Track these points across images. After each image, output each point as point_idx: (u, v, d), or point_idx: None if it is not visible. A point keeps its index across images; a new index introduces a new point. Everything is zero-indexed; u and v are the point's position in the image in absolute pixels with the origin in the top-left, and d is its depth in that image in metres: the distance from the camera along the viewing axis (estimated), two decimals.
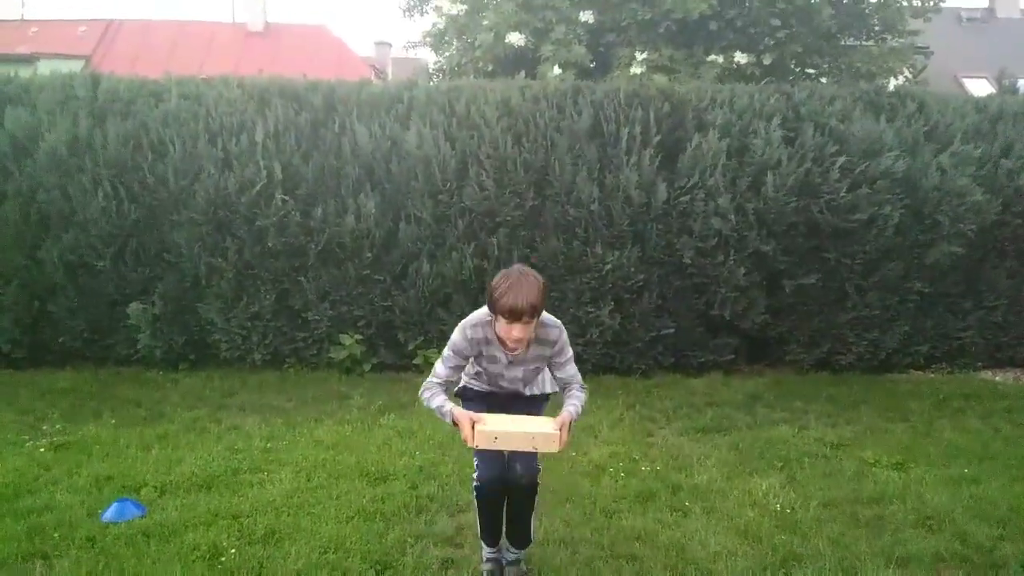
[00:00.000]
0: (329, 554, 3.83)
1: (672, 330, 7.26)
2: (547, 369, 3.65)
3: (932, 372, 7.67)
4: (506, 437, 3.30)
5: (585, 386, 3.65)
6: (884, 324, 7.44)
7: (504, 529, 3.70)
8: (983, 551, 3.93)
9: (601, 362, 7.26)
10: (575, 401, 3.52)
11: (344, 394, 6.65)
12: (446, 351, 3.53)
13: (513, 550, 3.72)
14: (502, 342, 3.44)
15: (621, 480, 4.81)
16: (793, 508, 4.42)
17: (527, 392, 3.69)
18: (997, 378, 7.55)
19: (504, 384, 3.63)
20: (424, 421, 5.82)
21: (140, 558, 3.77)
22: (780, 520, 4.27)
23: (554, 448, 3.31)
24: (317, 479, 4.74)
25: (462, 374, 3.66)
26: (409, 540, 3.98)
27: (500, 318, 3.33)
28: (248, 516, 4.21)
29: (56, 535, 3.98)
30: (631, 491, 4.63)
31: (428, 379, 3.53)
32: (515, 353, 3.47)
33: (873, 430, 5.88)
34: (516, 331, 3.32)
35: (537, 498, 3.67)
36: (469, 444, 3.31)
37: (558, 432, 3.30)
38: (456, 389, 3.70)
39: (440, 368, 3.53)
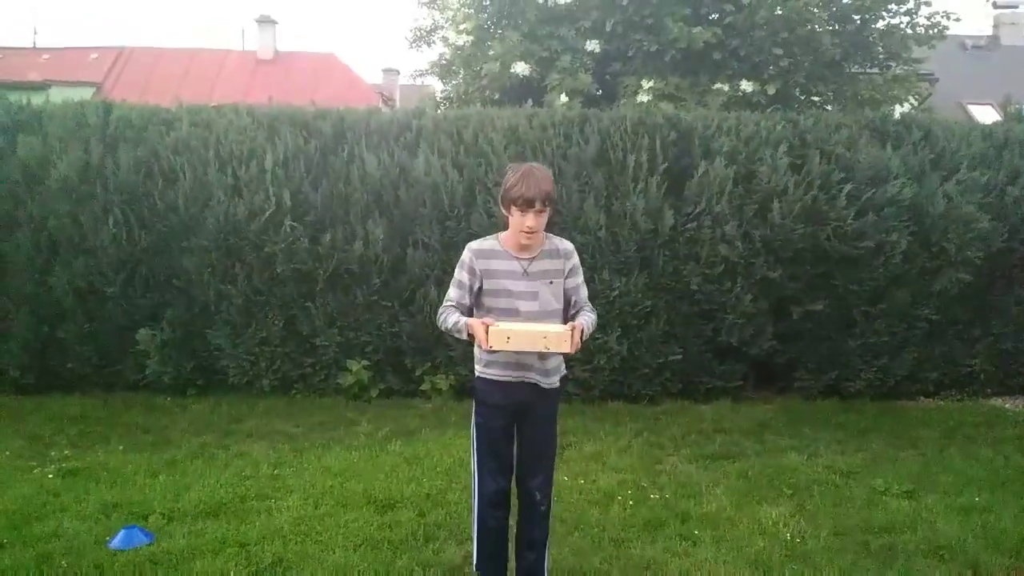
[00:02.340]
0: None
1: (680, 356, 7.25)
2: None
3: (942, 399, 7.64)
4: (518, 336, 3.35)
5: (595, 310, 3.71)
6: (893, 351, 7.42)
7: (516, 563, 3.68)
8: None
9: (609, 389, 7.25)
10: (584, 318, 3.57)
11: (351, 420, 6.64)
12: (456, 273, 3.59)
13: None
14: (515, 248, 3.50)
15: (630, 508, 4.79)
16: (803, 537, 4.39)
17: (544, 324, 3.50)
18: (1007, 405, 7.51)
19: (521, 307, 3.50)
20: (431, 448, 5.82)
21: None
22: (790, 549, 4.24)
23: (566, 348, 3.36)
24: (325, 506, 4.73)
25: (475, 353, 3.63)
26: (417, 569, 3.96)
27: (513, 209, 3.42)
28: (256, 544, 4.20)
29: (64, 563, 3.98)
30: (640, 519, 4.61)
31: (443, 305, 3.60)
32: (530, 243, 3.48)
33: (883, 458, 5.85)
34: (529, 220, 3.41)
35: (549, 526, 3.67)
36: (484, 347, 3.36)
37: (570, 331, 3.34)
38: (473, 381, 3.70)
39: (452, 291, 3.59)
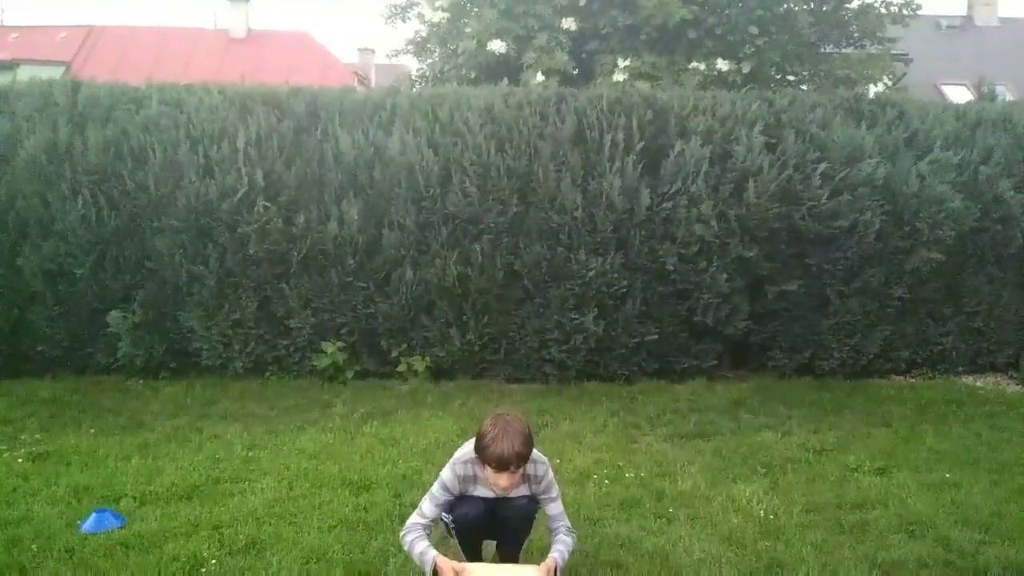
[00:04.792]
0: (311, 564, 3.80)
1: (655, 336, 7.26)
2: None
3: (913, 377, 7.71)
4: None
5: (573, 530, 3.60)
6: (865, 330, 7.47)
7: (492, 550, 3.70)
8: (966, 556, 3.95)
9: (585, 368, 7.26)
10: (561, 546, 3.47)
11: (326, 402, 6.60)
12: (435, 488, 3.50)
13: None
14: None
15: (605, 487, 4.80)
16: (776, 514, 4.43)
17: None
18: (978, 383, 7.60)
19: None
20: (407, 429, 5.81)
21: (119, 570, 3.72)
22: (764, 526, 4.27)
23: None
24: (299, 488, 4.70)
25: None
26: (392, 550, 3.94)
27: (487, 466, 3.34)
28: (229, 526, 4.17)
29: (34, 547, 3.93)
30: (615, 498, 4.63)
31: (412, 519, 3.48)
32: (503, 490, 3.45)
33: (856, 435, 5.90)
34: (503, 480, 3.35)
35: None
36: None
37: (544, 573, 3.28)
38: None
39: (427, 506, 3.49)
